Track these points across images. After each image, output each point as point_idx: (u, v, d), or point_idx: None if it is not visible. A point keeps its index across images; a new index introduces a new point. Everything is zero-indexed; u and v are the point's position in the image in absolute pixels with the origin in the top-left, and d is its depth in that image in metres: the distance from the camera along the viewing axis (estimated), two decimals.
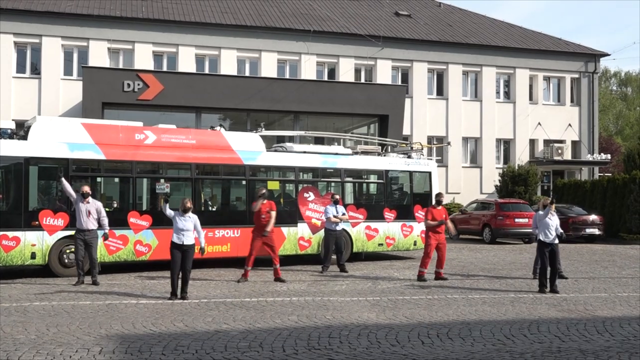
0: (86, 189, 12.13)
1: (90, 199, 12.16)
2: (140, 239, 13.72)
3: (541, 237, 11.91)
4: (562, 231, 12.10)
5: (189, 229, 10.60)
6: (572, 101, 34.00)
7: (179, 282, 10.58)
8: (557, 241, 11.93)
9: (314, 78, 28.64)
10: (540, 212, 12.12)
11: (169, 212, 10.74)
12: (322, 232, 15.37)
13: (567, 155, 33.02)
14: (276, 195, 16.02)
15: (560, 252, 13.36)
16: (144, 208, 14.90)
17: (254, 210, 12.91)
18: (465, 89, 32.32)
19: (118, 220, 13.55)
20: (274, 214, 12.87)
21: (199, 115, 25.04)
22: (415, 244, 17.21)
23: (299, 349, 7.21)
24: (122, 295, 10.90)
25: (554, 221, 11.90)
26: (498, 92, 33.06)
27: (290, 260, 15.46)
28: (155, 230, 13.73)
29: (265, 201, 12.93)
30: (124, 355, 6.84)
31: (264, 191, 13.04)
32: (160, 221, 13.89)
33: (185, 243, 10.54)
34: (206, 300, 10.40)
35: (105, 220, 12.28)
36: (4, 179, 12.73)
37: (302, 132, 19.90)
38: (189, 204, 10.69)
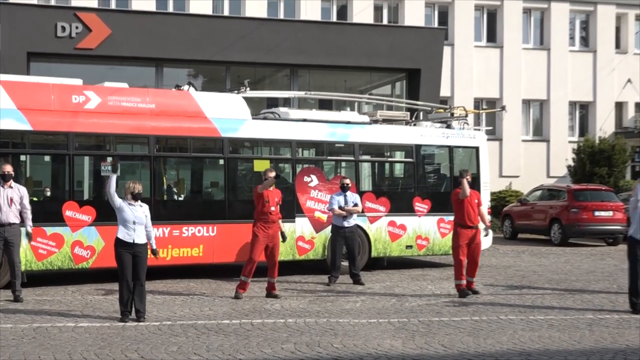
0: (8, 168, 12.08)
1: (12, 182, 12.14)
2: (80, 239, 13.73)
3: (630, 232, 11.71)
4: None
5: (141, 221, 10.60)
6: None
7: (132, 296, 10.61)
8: None
9: (318, 19, 28.48)
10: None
11: (114, 192, 10.52)
12: (328, 230, 15.37)
13: None
14: None
15: None
16: (85, 197, 14.90)
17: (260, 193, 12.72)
18: (527, 34, 32.11)
19: (50, 213, 13.55)
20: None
21: (159, 70, 24.96)
22: None
23: None
24: (55, 315, 10.91)
25: None
26: (572, 38, 32.85)
27: (285, 268, 15.46)
28: (101, 227, 13.72)
29: (272, 188, 12.91)
30: None
31: (273, 174, 12.94)
32: (108, 215, 13.85)
33: (136, 241, 10.55)
34: (170, 323, 10.41)
35: (29, 214, 12.25)
36: None
37: (301, 93, 19.83)
38: (139, 187, 10.65)
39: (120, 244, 10.54)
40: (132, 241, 10.50)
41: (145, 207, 10.77)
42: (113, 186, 10.52)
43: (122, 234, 10.53)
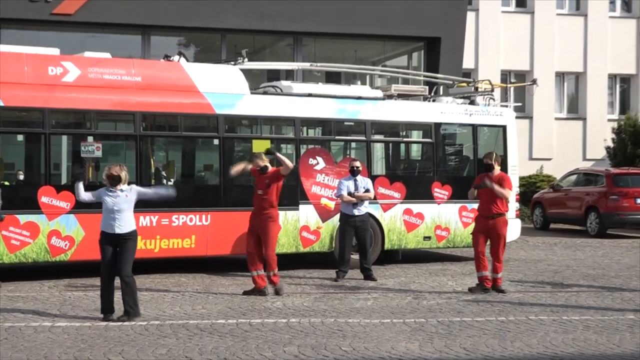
0: None
1: None
2: (58, 228, 13.76)
3: None
4: None
5: (124, 209, 10.56)
6: None
7: (111, 293, 10.62)
8: None
9: None
10: None
11: (85, 195, 10.75)
12: (336, 219, 15.37)
13: None
14: None
15: None
16: (63, 181, 14.88)
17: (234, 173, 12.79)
18: None
19: (24, 199, 13.58)
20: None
21: (146, 38, 24.91)
22: None
23: None
24: (29, 314, 10.94)
25: None
26: (612, 2, 32.69)
27: (288, 262, 15.49)
28: (81, 215, 13.74)
29: (270, 168, 12.85)
30: None
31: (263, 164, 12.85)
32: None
33: (117, 231, 10.52)
34: (158, 323, 10.44)
35: None
36: None
37: (306, 65, 19.77)
38: (116, 172, 10.56)
39: (101, 235, 10.60)
40: (112, 231, 10.52)
41: (129, 189, 10.65)
42: (81, 194, 10.77)
43: (103, 224, 10.58)
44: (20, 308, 11.35)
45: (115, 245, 10.55)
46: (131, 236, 10.67)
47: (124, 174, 10.62)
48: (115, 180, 10.56)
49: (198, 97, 15.00)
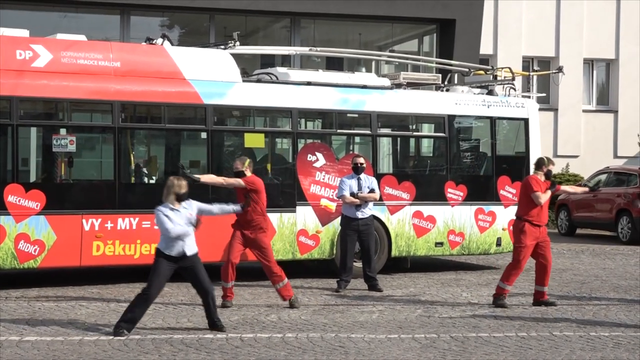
0: None
1: None
2: (26, 231, 13.74)
3: None
4: None
5: (189, 230, 10.62)
6: None
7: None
8: None
9: None
10: None
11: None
12: (337, 223, 15.40)
13: None
14: (259, 159, 16.02)
15: None
16: (33, 179, 14.87)
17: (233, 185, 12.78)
18: None
19: None
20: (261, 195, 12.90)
21: (126, 19, 24.93)
22: (498, 243, 17.19)
23: None
24: None
25: None
26: None
27: (284, 269, 15.49)
28: (52, 216, 13.76)
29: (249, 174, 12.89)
30: None
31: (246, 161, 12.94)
32: (60, 201, 13.93)
33: (189, 252, 10.69)
34: (139, 337, 10.45)
35: None
36: None
37: (305, 49, 19.80)
38: (185, 187, 10.72)
39: (162, 256, 10.67)
40: (182, 254, 10.63)
41: (190, 205, 10.77)
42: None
43: (165, 245, 10.65)
44: None
45: (177, 265, 10.68)
46: (197, 255, 10.83)
47: None
48: (182, 197, 10.68)
49: (184, 85, 15.02)
